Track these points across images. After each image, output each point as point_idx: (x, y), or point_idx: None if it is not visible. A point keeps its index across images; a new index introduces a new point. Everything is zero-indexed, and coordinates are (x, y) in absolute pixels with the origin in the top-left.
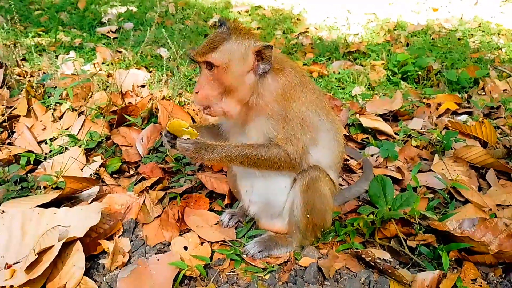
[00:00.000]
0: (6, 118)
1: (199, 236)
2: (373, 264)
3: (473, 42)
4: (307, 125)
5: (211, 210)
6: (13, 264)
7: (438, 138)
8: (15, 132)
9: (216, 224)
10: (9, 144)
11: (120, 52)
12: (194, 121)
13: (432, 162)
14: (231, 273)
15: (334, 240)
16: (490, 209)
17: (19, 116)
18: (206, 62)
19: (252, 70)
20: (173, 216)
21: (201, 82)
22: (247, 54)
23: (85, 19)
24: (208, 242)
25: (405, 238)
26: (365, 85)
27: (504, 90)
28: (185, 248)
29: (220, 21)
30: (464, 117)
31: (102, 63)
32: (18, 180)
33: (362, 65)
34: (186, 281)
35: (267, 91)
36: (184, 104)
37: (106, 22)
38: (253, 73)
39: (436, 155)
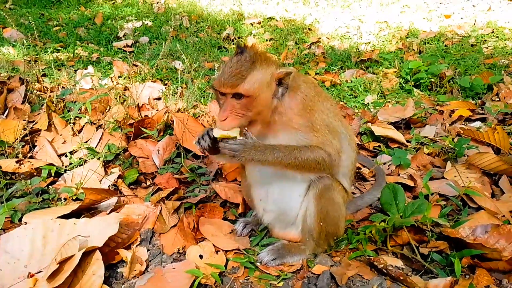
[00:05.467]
0: (27, 132)
1: (213, 245)
2: (385, 271)
3: (487, 48)
4: (333, 131)
5: (225, 219)
6: (36, 273)
7: (450, 145)
8: (36, 146)
9: (230, 232)
10: (31, 157)
11: (136, 65)
12: None
13: (445, 169)
14: (245, 281)
15: (347, 248)
16: (504, 216)
17: (40, 130)
18: (234, 93)
19: (274, 94)
20: (189, 225)
21: (227, 110)
22: (271, 81)
23: (102, 34)
24: (223, 250)
25: (417, 245)
26: (378, 93)
27: None
28: (200, 256)
29: (240, 48)
30: (478, 123)
31: (119, 77)
32: (40, 192)
33: (374, 73)
34: None
35: (288, 109)
36: (199, 116)
37: (122, 36)
38: (274, 97)
39: (449, 162)
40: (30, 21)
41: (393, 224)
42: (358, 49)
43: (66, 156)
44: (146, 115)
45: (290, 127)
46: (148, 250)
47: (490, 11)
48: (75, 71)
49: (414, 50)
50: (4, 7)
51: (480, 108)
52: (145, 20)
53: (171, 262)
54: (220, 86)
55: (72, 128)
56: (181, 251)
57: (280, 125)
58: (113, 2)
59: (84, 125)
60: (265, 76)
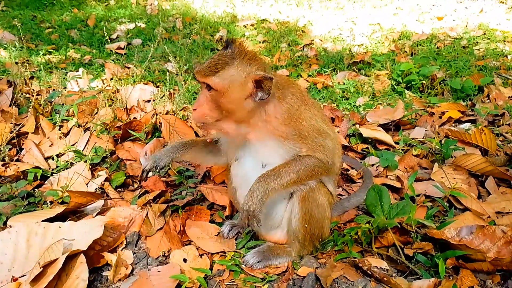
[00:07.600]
0: (14, 135)
1: (197, 248)
2: (370, 272)
3: (478, 49)
4: (323, 133)
5: (212, 221)
6: (19, 277)
7: (437, 147)
8: (23, 148)
9: (216, 235)
10: (17, 160)
11: (128, 67)
12: (197, 135)
13: (432, 170)
14: (231, 283)
15: (333, 250)
16: (489, 217)
17: (27, 133)
18: (205, 83)
19: (251, 97)
20: (175, 228)
21: (200, 100)
22: (246, 82)
23: (94, 36)
24: (208, 253)
25: (402, 246)
26: (369, 95)
27: (509, 97)
28: (185, 260)
29: (227, 42)
30: (467, 125)
31: (111, 79)
32: (26, 195)
33: (366, 75)
34: None
35: (272, 118)
36: (187, 119)
37: (115, 38)
38: (251, 99)
39: (436, 163)
40: (23, 22)
41: (377, 225)
42: (351, 51)
43: (52, 159)
44: (134, 118)
45: (277, 135)
46: (133, 253)
47: (482, 13)
48: (66, 73)
49: (406, 52)
50: None
51: (470, 110)
52: (138, 22)
53: (157, 265)
54: (195, 72)
55: (59, 130)
56: (167, 254)
57: (266, 132)
58: (106, 4)
59: (71, 128)
60: (239, 74)
